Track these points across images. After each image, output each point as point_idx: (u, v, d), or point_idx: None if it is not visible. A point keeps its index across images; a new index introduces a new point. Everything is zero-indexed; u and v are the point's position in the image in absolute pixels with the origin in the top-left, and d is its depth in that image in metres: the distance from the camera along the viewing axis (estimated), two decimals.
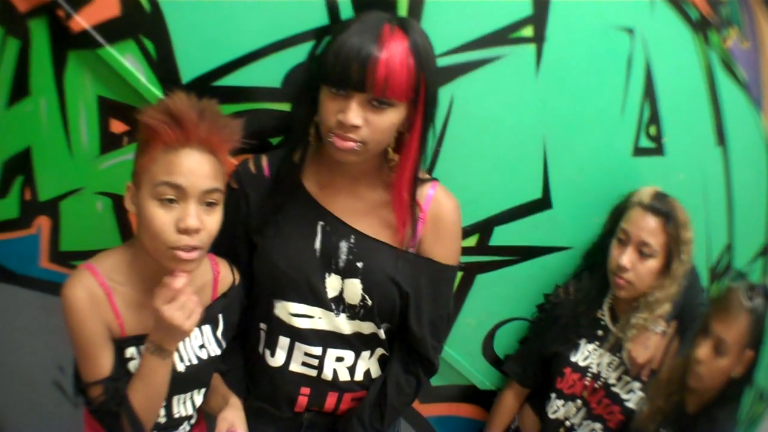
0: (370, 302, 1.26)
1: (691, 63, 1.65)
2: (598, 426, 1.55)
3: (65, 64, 1.41)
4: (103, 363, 1.11)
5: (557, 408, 1.59)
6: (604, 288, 1.54)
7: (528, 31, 1.41)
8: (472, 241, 1.47)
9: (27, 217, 1.48)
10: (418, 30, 1.18)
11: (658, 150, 1.57)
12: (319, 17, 1.36)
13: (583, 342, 1.56)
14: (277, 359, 1.30)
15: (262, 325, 1.33)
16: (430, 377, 1.38)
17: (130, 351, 1.14)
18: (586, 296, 1.54)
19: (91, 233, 1.46)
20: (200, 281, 1.22)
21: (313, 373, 1.30)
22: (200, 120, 1.05)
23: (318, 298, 1.26)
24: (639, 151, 1.54)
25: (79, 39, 1.35)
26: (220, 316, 1.25)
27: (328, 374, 1.30)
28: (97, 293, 1.10)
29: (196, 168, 1.05)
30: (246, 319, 1.34)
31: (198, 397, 1.25)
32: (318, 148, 1.27)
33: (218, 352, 1.24)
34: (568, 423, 1.58)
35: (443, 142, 1.38)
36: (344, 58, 1.12)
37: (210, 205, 1.07)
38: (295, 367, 1.30)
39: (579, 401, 1.56)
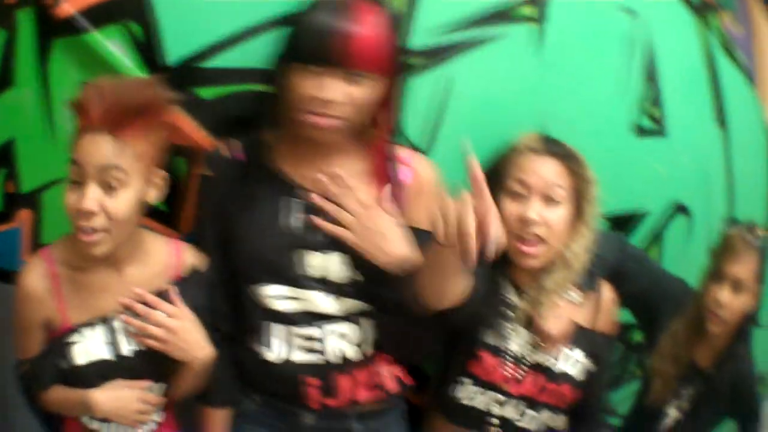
0: (359, 278, 1.22)
1: (692, 45, 1.64)
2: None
3: (50, 53, 1.37)
4: (32, 345, 1.20)
5: None
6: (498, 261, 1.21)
7: (529, 10, 1.39)
8: None
9: (11, 211, 1.42)
10: (387, 3, 1.21)
11: (660, 131, 1.55)
12: None
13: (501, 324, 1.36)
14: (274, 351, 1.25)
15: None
16: None
17: (73, 337, 1.17)
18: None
19: None
20: (157, 267, 1.20)
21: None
22: (98, 103, 1.06)
23: (295, 278, 1.21)
24: (641, 132, 1.51)
25: (65, 26, 1.32)
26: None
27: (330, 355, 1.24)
28: (44, 283, 1.17)
29: (94, 150, 1.06)
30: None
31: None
32: (289, 127, 1.22)
33: None
34: None
35: (443, 122, 1.35)
36: (318, 33, 1.12)
37: (111, 187, 1.07)
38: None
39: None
